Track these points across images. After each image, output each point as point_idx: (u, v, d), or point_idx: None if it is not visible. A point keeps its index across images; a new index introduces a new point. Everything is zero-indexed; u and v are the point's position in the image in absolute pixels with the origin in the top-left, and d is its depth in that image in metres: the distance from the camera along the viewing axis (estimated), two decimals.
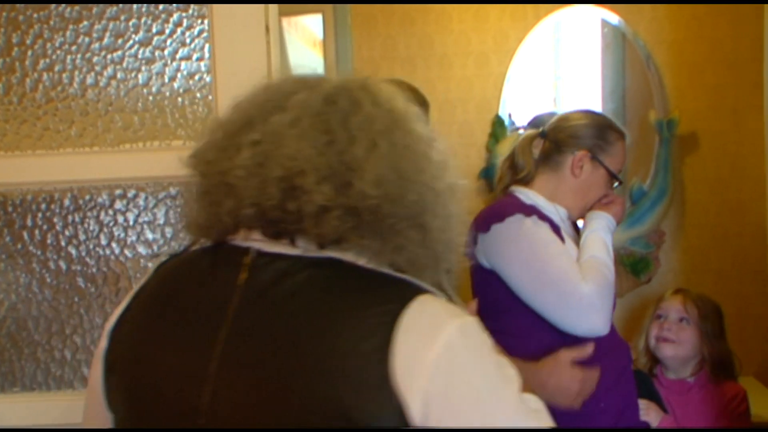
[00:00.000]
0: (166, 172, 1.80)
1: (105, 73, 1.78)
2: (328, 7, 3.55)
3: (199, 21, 1.77)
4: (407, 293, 0.99)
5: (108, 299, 1.81)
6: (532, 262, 1.90)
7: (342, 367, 0.93)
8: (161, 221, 1.82)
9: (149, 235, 1.83)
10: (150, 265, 1.83)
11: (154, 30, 1.78)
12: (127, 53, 1.77)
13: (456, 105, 3.60)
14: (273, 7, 1.78)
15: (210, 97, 1.77)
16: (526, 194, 2.09)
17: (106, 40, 1.77)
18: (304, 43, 3.98)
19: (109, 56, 1.77)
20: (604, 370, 1.89)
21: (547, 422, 0.99)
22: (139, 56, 1.81)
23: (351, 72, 3.63)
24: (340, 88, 1.08)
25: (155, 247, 1.83)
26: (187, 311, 1.05)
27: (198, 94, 1.78)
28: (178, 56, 1.80)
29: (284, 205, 1.00)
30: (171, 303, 1.07)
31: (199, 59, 1.79)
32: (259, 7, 1.73)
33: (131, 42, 1.78)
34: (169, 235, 1.81)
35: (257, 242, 1.04)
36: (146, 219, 1.83)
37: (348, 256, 1.02)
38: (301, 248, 1.02)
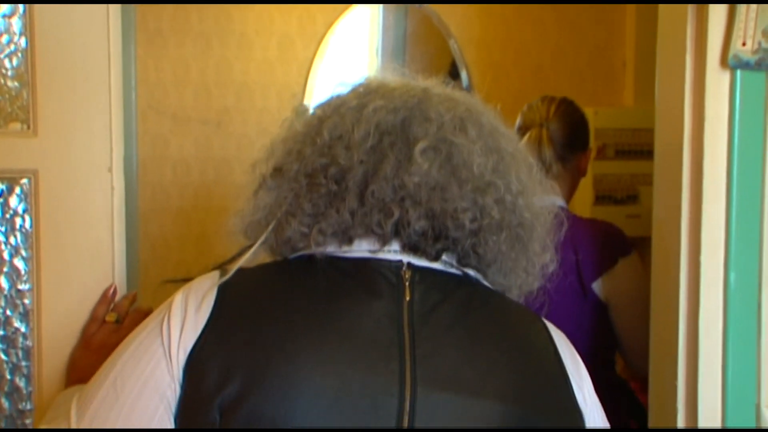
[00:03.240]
0: None
1: None
2: None
3: None
4: (531, 312, 1.05)
5: None
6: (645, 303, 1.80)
7: (537, 386, 0.95)
8: None
9: None
10: None
11: None
12: None
13: (255, 90, 3.25)
14: None
15: (23, 68, 1.33)
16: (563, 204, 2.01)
17: None
18: None
19: None
20: None
21: None
22: None
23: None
24: (468, 99, 1.05)
25: None
26: (349, 328, 0.91)
27: (7, 63, 1.33)
28: None
29: (462, 219, 0.96)
30: (318, 314, 0.92)
31: (9, 15, 1.33)
32: None
33: None
34: None
35: (398, 254, 0.97)
36: None
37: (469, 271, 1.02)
38: (443, 262, 0.99)
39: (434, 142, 0.98)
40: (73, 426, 0.92)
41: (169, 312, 0.94)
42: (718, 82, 1.48)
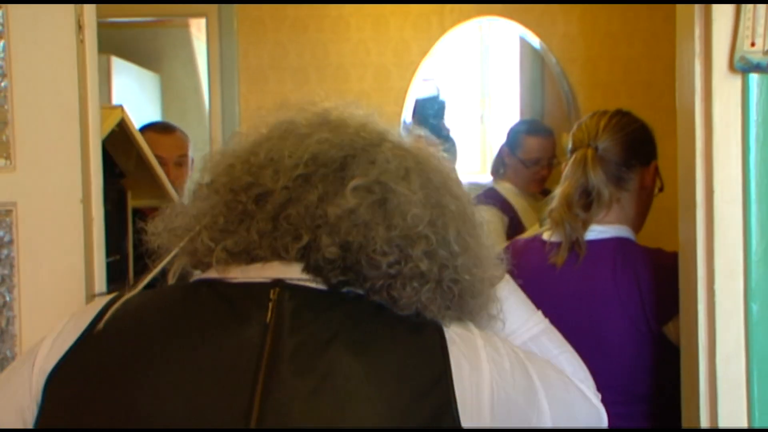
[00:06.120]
0: None
1: None
2: (212, 8, 3.19)
3: None
4: (432, 324, 0.96)
5: None
6: None
7: (410, 407, 0.89)
8: None
9: None
10: None
11: None
12: None
13: None
14: (89, 7, 1.44)
15: (6, 107, 1.42)
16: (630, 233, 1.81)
17: None
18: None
19: None
20: None
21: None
22: None
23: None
24: (423, 152, 1.02)
25: None
26: (207, 360, 0.89)
27: None
28: None
29: (379, 261, 0.93)
30: (180, 344, 0.90)
31: None
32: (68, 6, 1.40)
33: None
34: None
35: (281, 274, 0.94)
36: None
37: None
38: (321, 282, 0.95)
39: (370, 183, 0.95)
40: None
41: (50, 333, 0.95)
42: (726, 88, 1.31)
